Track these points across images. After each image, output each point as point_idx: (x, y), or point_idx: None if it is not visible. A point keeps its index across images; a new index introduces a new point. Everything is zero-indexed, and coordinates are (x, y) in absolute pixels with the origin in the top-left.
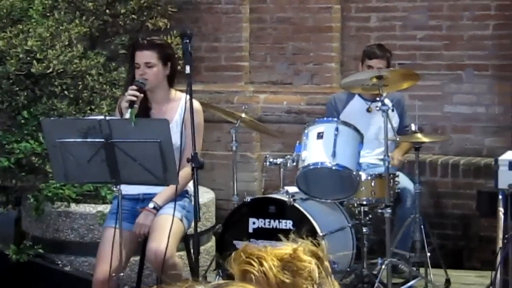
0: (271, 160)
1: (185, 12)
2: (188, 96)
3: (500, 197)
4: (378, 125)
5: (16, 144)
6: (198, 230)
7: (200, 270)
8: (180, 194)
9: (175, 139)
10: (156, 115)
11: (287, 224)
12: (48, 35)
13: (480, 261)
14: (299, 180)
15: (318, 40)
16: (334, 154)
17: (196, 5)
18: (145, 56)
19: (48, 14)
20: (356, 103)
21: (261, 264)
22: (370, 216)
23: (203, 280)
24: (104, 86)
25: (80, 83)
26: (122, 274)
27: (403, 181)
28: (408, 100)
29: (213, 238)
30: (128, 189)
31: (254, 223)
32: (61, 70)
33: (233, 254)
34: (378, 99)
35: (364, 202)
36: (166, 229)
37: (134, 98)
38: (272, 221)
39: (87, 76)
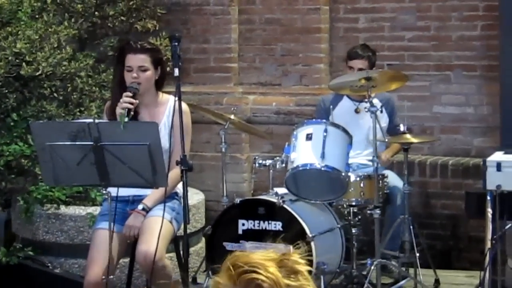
0: (260, 161)
1: (174, 13)
2: (176, 98)
3: (488, 198)
4: (367, 126)
5: (5, 147)
6: (188, 231)
7: (190, 272)
8: (170, 196)
9: (164, 141)
10: (145, 118)
11: (276, 225)
12: (37, 37)
13: (469, 261)
14: (288, 181)
15: (307, 41)
16: (323, 155)
17: (185, 6)
18: (139, 60)
19: (37, 17)
20: (345, 104)
21: (267, 270)
22: (359, 217)
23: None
24: (93, 88)
25: (69, 85)
26: (112, 276)
27: (393, 179)
28: (397, 101)
29: (203, 239)
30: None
31: (243, 224)
32: (50, 72)
33: (222, 265)
34: (366, 100)
35: (353, 203)
36: (155, 231)
37: (131, 106)
38: (261, 222)
39: (76, 78)
